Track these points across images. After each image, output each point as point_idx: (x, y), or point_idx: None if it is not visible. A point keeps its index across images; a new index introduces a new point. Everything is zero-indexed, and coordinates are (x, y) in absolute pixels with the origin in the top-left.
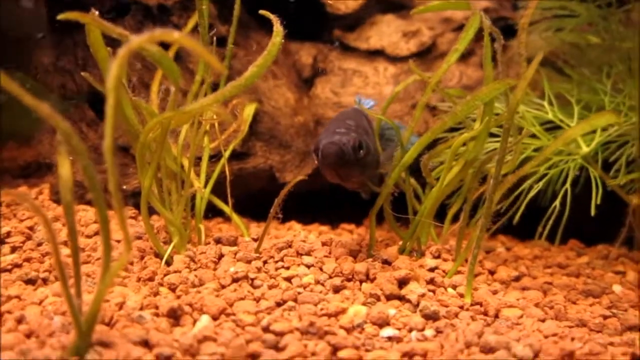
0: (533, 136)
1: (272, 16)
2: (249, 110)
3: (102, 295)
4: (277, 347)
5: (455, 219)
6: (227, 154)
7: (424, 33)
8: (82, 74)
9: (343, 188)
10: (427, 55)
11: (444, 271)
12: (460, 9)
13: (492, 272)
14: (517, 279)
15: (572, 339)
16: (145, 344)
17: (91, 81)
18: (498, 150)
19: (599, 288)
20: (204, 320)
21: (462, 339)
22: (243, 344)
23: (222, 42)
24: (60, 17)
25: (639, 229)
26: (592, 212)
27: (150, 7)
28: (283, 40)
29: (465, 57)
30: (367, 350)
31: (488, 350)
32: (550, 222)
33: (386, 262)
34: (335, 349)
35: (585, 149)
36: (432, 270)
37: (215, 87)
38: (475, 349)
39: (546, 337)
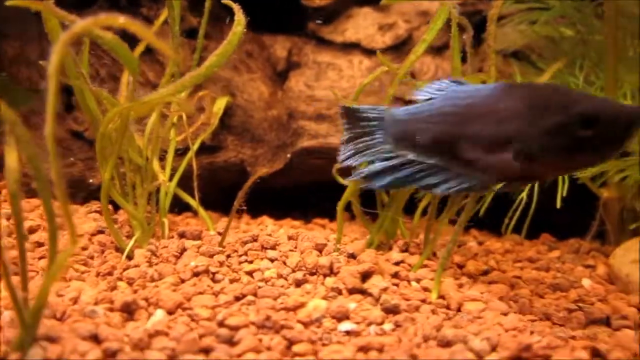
0: None
1: (234, 5)
2: (220, 104)
3: (48, 288)
4: (231, 342)
5: (425, 213)
6: (194, 147)
7: (400, 26)
8: (40, 62)
9: (317, 183)
10: (403, 47)
11: (410, 265)
12: None
13: (460, 266)
14: (485, 273)
15: (532, 333)
16: (94, 338)
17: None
18: None
19: (568, 282)
20: (158, 314)
21: (420, 333)
22: (196, 339)
23: (195, 34)
24: (9, 3)
25: (609, 222)
26: (558, 205)
27: None
28: (260, 34)
29: (441, 50)
30: (323, 345)
31: (445, 344)
32: (517, 215)
33: (352, 256)
34: (290, 343)
35: None
36: (397, 264)
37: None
38: (433, 343)
39: (506, 330)
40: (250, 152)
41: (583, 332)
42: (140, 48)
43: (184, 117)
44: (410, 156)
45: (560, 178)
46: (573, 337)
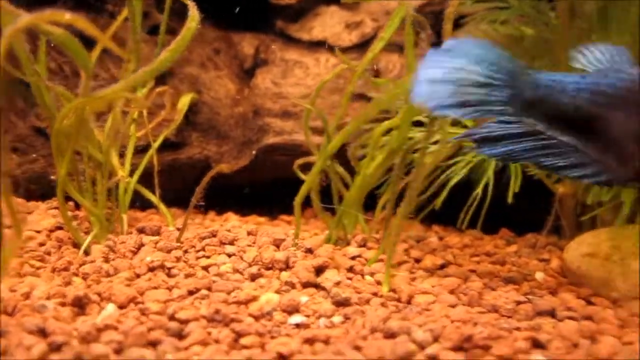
0: (465, 126)
1: (189, 2)
2: (185, 101)
3: None
4: (179, 335)
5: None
6: (156, 144)
7: (367, 24)
8: None
9: (282, 180)
10: (368, 46)
11: (366, 259)
12: None
13: (418, 261)
14: (442, 267)
15: (475, 324)
16: (41, 332)
17: None
18: (422, 139)
19: (521, 275)
20: (109, 308)
21: (368, 325)
22: (144, 332)
23: (159, 30)
24: None
25: (564, 217)
26: (509, 200)
27: None
28: (225, 32)
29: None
30: (272, 337)
31: (390, 335)
32: (472, 210)
33: (309, 251)
34: (238, 336)
35: None
36: (353, 258)
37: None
38: (379, 335)
39: (452, 322)
40: (216, 148)
41: (528, 323)
42: (100, 45)
43: (145, 113)
44: (540, 127)
45: (513, 173)
46: (517, 329)
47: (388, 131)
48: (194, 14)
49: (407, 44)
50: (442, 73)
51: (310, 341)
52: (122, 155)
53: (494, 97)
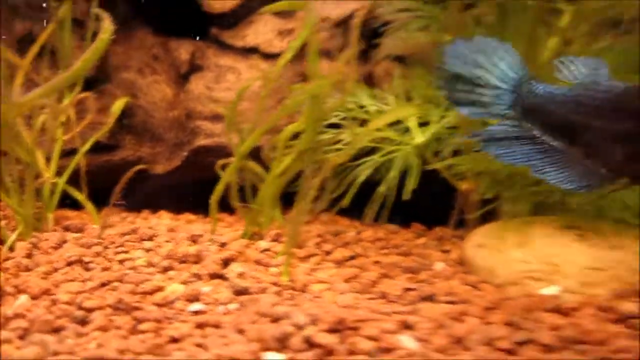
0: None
1: (103, 13)
2: (118, 105)
3: None
4: (83, 322)
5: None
6: (84, 147)
7: (295, 34)
8: None
9: (214, 180)
10: (300, 52)
11: (275, 253)
12: (300, 9)
13: (328, 253)
14: (350, 258)
15: (356, 309)
16: None
17: None
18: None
19: (421, 265)
20: (22, 299)
21: (258, 311)
22: (50, 320)
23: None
24: None
25: (468, 211)
26: (406, 196)
27: None
28: (164, 38)
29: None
30: (169, 323)
31: (275, 319)
32: (389, 205)
33: (223, 245)
34: (138, 322)
35: (419, 139)
36: (263, 251)
37: (88, 81)
38: (266, 319)
39: (339, 307)
40: (150, 150)
41: (410, 307)
42: (34, 49)
43: (72, 115)
44: (535, 132)
45: (413, 173)
46: (397, 312)
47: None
48: (107, 26)
49: (310, 51)
50: (464, 66)
51: (202, 326)
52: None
53: (502, 101)
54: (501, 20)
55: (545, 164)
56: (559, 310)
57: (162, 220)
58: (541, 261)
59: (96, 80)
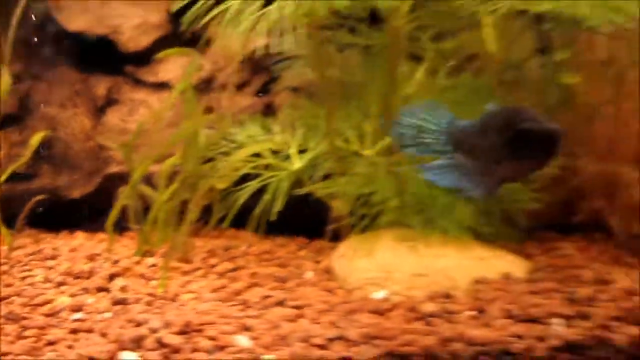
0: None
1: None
2: (36, 138)
3: None
4: None
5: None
6: (1, 179)
7: (205, 69)
8: None
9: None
10: (206, 86)
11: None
12: (187, 55)
13: (213, 266)
14: (232, 270)
15: (208, 314)
16: None
17: None
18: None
19: (292, 274)
20: None
21: (128, 318)
22: None
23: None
24: None
25: (341, 226)
26: (273, 217)
27: None
28: (85, 75)
29: (241, 87)
30: (50, 330)
31: (137, 324)
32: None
33: (115, 263)
34: (24, 329)
35: (297, 165)
36: (150, 267)
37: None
38: (131, 325)
39: (197, 313)
40: (67, 178)
41: (260, 312)
42: None
43: None
44: (461, 159)
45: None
46: (246, 316)
47: None
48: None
49: (185, 90)
50: (409, 122)
51: (76, 331)
52: None
53: (439, 140)
54: (369, 59)
55: (464, 181)
56: (376, 311)
57: (76, 240)
58: (379, 269)
59: (18, 116)
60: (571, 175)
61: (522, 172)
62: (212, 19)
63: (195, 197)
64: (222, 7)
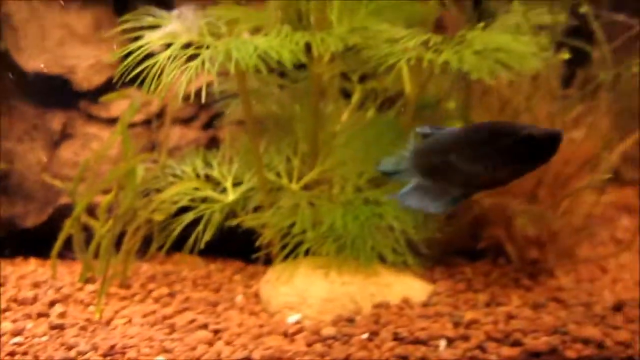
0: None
1: None
2: None
3: None
4: None
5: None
6: None
7: (154, 104)
8: None
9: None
10: (156, 121)
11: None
12: (126, 98)
13: (150, 292)
14: (168, 295)
15: (131, 337)
16: None
17: None
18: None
19: (223, 299)
20: None
21: (61, 341)
22: None
23: None
24: None
25: (273, 251)
26: (201, 246)
27: None
28: (42, 110)
29: (188, 120)
30: None
31: (68, 348)
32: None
33: (59, 289)
34: None
35: (231, 197)
36: (91, 293)
37: None
38: (63, 347)
39: (126, 337)
40: (22, 209)
41: (182, 335)
42: None
43: None
44: (423, 180)
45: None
46: (169, 339)
47: None
48: None
49: (123, 137)
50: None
51: (13, 354)
52: None
53: (409, 166)
54: (297, 99)
55: (425, 201)
56: (285, 334)
57: (29, 267)
58: (296, 294)
59: None
60: (473, 205)
61: (518, 175)
62: (144, 69)
63: (131, 228)
64: (151, 60)
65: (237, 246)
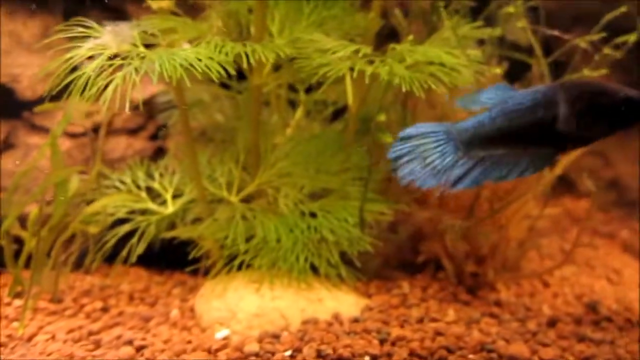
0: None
1: None
2: None
3: None
4: None
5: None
6: None
7: (100, 114)
8: None
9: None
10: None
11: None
12: (59, 109)
13: (82, 306)
14: (101, 310)
15: (50, 354)
16: None
17: None
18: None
19: (157, 313)
20: None
21: None
22: None
23: None
24: None
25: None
26: (133, 259)
27: None
28: None
29: (136, 131)
30: None
31: None
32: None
33: None
34: None
35: (170, 209)
36: (17, 308)
37: None
38: None
39: (42, 354)
40: None
41: (106, 351)
42: None
43: None
44: (480, 154)
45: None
46: (91, 356)
47: None
48: None
49: (52, 148)
50: (409, 148)
51: None
52: None
53: (447, 151)
54: (239, 110)
55: (502, 169)
56: (209, 350)
57: None
58: (227, 309)
59: None
60: (410, 219)
61: (600, 136)
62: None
63: (60, 241)
64: (79, 72)
65: (181, 258)
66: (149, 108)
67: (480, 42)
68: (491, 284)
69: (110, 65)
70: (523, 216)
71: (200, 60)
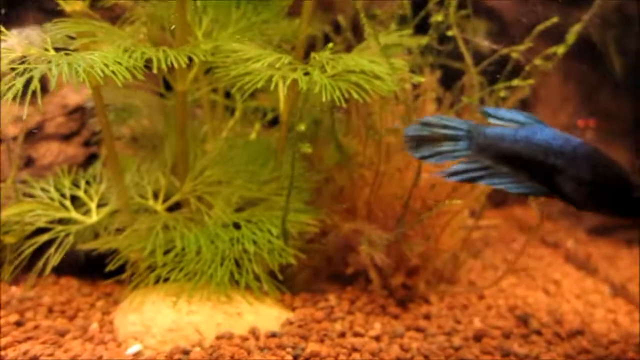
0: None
1: None
2: None
3: None
4: None
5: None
6: None
7: (33, 119)
8: None
9: None
10: (31, 137)
11: None
12: None
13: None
14: (16, 324)
15: None
16: None
17: None
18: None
19: (75, 327)
20: None
21: None
22: None
23: None
24: None
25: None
26: (49, 270)
27: None
28: None
29: (69, 136)
30: None
31: None
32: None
33: None
34: None
35: (94, 218)
36: None
37: None
38: None
39: None
40: None
41: None
42: None
43: None
44: (487, 163)
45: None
46: None
47: None
48: None
49: None
50: (427, 132)
51: None
52: None
53: (460, 146)
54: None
55: (496, 180)
56: None
57: None
58: (142, 323)
59: None
60: (337, 231)
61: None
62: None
63: None
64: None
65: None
66: (82, 113)
67: (423, 51)
68: (423, 296)
69: (13, 69)
70: (457, 227)
71: (106, 65)
